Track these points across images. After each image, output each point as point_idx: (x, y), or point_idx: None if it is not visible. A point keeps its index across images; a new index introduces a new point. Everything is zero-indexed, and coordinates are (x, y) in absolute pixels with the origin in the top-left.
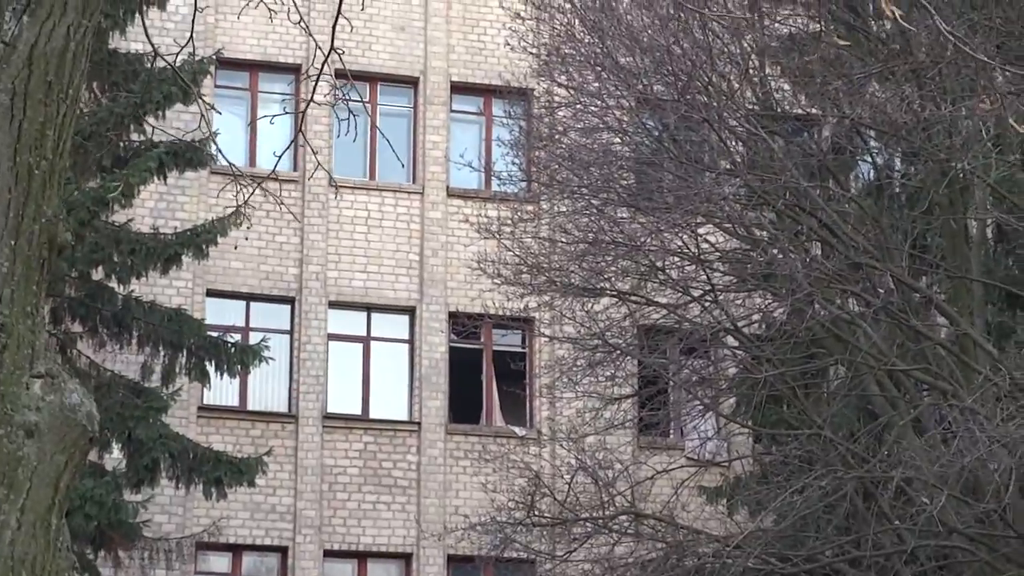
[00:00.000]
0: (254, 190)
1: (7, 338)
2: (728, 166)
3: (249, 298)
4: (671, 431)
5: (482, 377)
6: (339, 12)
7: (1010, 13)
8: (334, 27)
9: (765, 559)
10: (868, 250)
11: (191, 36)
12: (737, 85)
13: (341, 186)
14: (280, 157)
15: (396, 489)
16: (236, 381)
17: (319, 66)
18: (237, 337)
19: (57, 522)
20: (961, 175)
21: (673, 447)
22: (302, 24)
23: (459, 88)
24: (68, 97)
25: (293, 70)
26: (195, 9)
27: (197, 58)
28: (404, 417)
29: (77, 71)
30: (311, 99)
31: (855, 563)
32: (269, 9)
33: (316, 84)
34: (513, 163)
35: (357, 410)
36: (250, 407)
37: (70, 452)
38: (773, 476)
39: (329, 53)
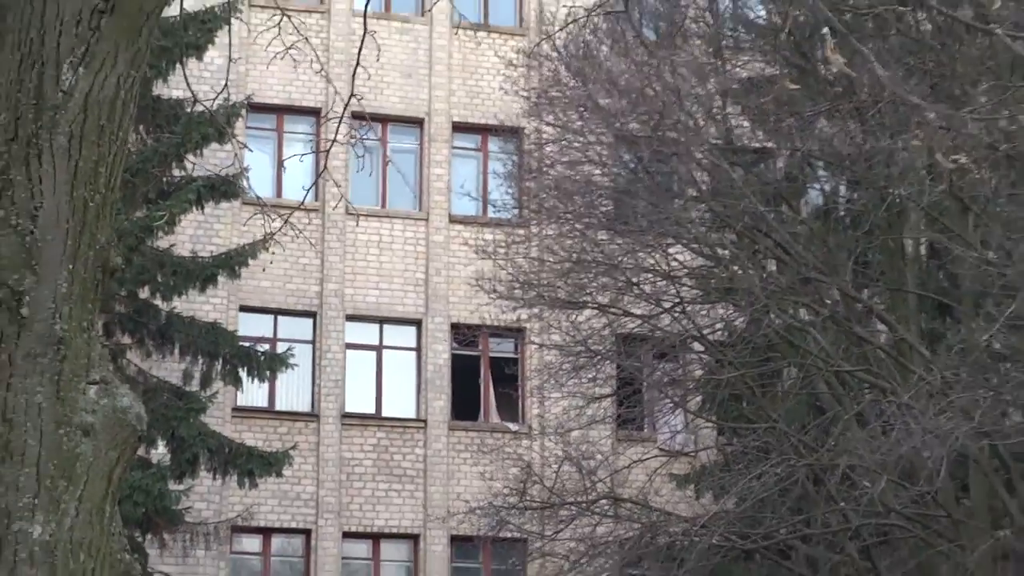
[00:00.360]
0: (283, 224)
1: (66, 349)
2: (694, 193)
3: (276, 313)
4: (645, 426)
5: (480, 380)
6: (358, 63)
7: (941, 58)
8: (354, 75)
9: (727, 537)
10: (817, 266)
11: (225, 84)
12: (702, 122)
13: (356, 214)
14: (308, 191)
15: (405, 478)
16: (265, 385)
17: (341, 109)
18: (266, 347)
19: (110, 510)
20: (898, 200)
21: (647, 439)
22: (323, 73)
23: (459, 127)
24: (118, 139)
25: (314, 112)
26: (229, 60)
27: (230, 103)
28: (412, 415)
29: (126, 116)
30: (335, 139)
31: (806, 540)
32: (293, 59)
33: (339, 125)
34: (507, 192)
35: (371, 409)
36: (278, 408)
37: (121, 449)
38: (734, 464)
39: (350, 99)
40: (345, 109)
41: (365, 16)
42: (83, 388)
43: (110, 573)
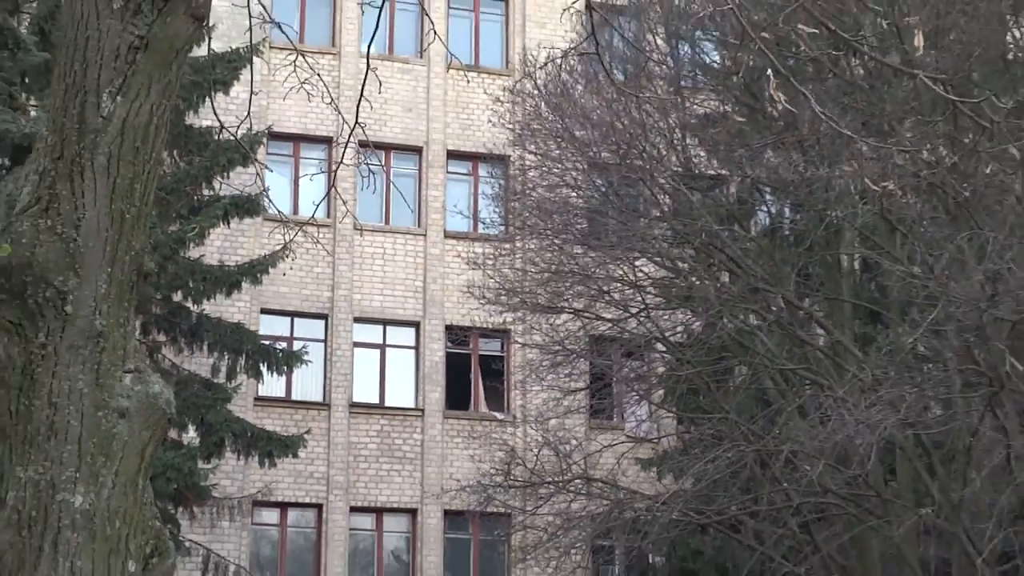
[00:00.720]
0: (295, 233)
1: (105, 342)
2: (657, 214)
3: (293, 315)
4: (614, 415)
5: (471, 375)
6: (361, 95)
7: (872, 98)
8: (358, 106)
9: (685, 513)
10: (764, 278)
11: (247, 114)
12: (664, 152)
13: (363, 229)
14: (317, 207)
15: (405, 460)
16: (283, 378)
17: (346, 136)
18: (283, 345)
19: (143, 483)
20: (835, 221)
21: (616, 427)
22: (333, 105)
23: (453, 155)
24: (151, 159)
25: (326, 140)
26: (251, 92)
27: (253, 132)
28: (411, 405)
29: (158, 139)
30: (340, 162)
31: (753, 516)
32: (308, 94)
33: (345, 151)
34: (494, 211)
35: (375, 400)
36: (294, 397)
37: (153, 429)
38: (691, 449)
39: (354, 127)
40: (350, 137)
41: (368, 57)
42: (119, 376)
43: (142, 538)
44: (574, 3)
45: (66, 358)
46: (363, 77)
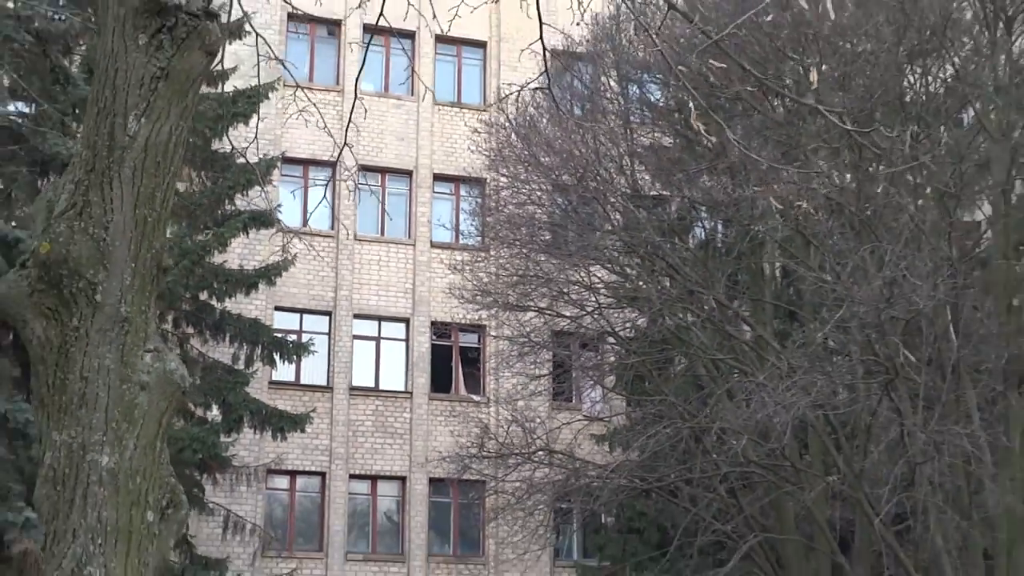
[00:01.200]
0: (289, 239)
1: (128, 326)
2: (609, 228)
3: (302, 312)
4: (573, 397)
5: (452, 363)
6: (349, 121)
7: (790, 132)
8: (346, 131)
9: (631, 480)
10: (699, 282)
11: (255, 138)
12: (615, 176)
13: (361, 239)
14: (311, 214)
15: (396, 435)
16: (293, 365)
17: (347, 161)
18: (294, 337)
19: (160, 446)
20: (758, 235)
21: (574, 408)
22: (327, 130)
23: (438, 177)
24: (170, 171)
25: (331, 164)
26: (257, 122)
27: (269, 156)
28: (402, 388)
29: (177, 154)
30: (332, 180)
31: (688, 482)
32: (316, 125)
33: (335, 172)
34: (472, 225)
35: (371, 384)
36: (302, 382)
37: (169, 400)
38: (637, 426)
39: (342, 150)
40: (339, 155)
41: (357, 90)
42: (141, 355)
43: (159, 492)
44: (532, 44)
45: (96, 339)
46: (365, 111)
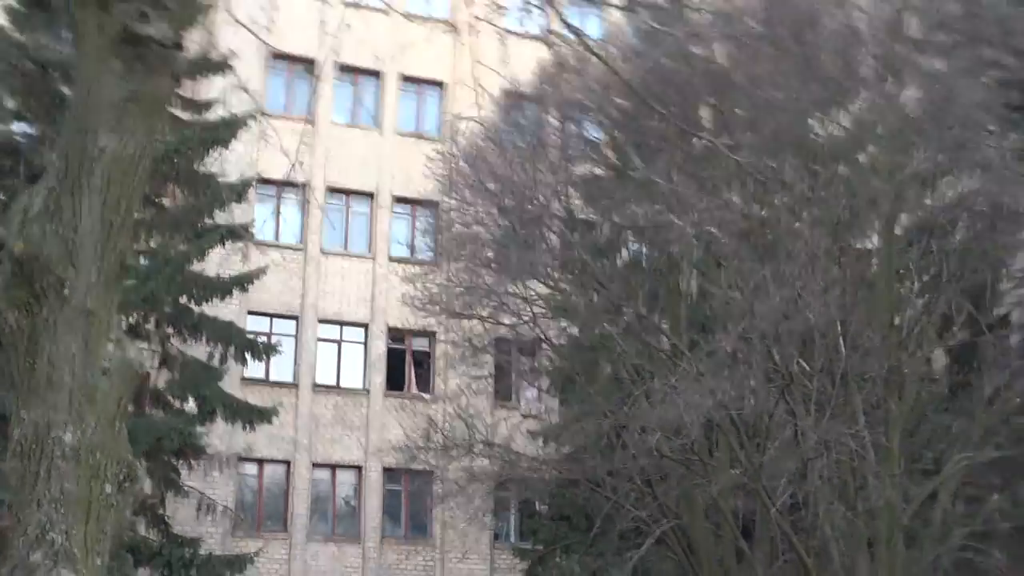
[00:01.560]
0: (247, 251)
1: (93, 318)
2: (545, 247)
3: (272, 316)
4: (511, 397)
5: (405, 364)
6: (300, 142)
7: (707, 167)
8: (297, 150)
9: (560, 471)
10: (622, 297)
11: (219, 157)
12: (552, 201)
13: (327, 253)
14: (279, 215)
15: (354, 428)
16: (262, 364)
17: (313, 183)
18: (264, 339)
19: (119, 425)
20: (677, 257)
21: (512, 407)
22: (286, 154)
23: (398, 199)
24: (135, 181)
25: (303, 186)
26: (225, 150)
27: (246, 177)
28: (360, 386)
29: (142, 166)
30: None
31: (611, 473)
32: (286, 152)
33: (304, 195)
34: (426, 243)
35: (333, 382)
36: (271, 379)
37: (128, 383)
38: (567, 423)
39: (292, 167)
40: (290, 171)
41: (315, 117)
42: (104, 344)
43: (117, 467)
44: (480, 86)
45: (63, 329)
46: (333, 140)
